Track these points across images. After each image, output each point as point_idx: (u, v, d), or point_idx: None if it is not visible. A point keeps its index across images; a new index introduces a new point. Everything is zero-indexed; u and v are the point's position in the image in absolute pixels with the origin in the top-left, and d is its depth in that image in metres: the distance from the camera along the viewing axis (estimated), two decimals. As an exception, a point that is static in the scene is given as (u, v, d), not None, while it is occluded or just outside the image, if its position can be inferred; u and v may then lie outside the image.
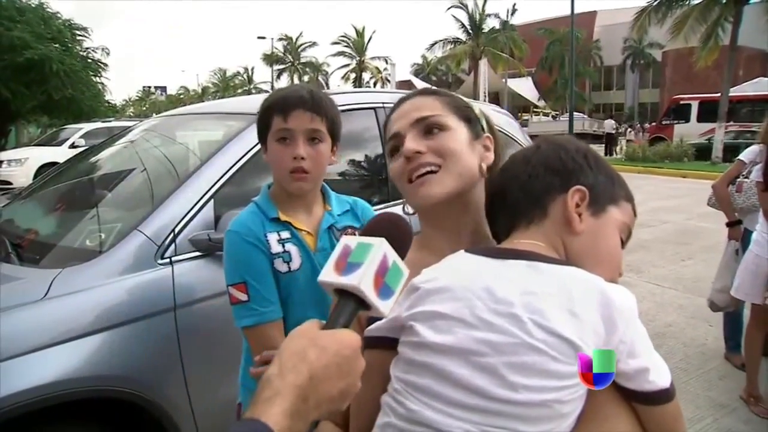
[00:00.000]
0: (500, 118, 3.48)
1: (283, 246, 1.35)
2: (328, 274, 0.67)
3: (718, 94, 17.63)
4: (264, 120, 1.38)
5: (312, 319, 0.67)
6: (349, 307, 0.66)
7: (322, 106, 1.35)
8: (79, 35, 16.94)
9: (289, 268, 1.35)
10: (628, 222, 0.86)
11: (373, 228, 0.74)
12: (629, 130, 28.99)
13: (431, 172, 0.90)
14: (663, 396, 0.72)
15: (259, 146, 2.20)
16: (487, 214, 0.93)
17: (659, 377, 0.72)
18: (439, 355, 0.73)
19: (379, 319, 0.77)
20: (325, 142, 1.37)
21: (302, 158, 1.32)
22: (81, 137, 13.52)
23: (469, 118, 0.97)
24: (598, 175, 0.84)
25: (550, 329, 0.69)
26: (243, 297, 1.31)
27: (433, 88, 1.04)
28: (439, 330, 0.75)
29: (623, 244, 0.86)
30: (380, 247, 0.67)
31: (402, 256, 0.71)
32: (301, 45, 54.22)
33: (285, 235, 1.36)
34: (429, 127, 0.93)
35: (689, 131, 19.97)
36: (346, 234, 1.41)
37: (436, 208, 0.92)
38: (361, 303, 0.66)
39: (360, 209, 1.52)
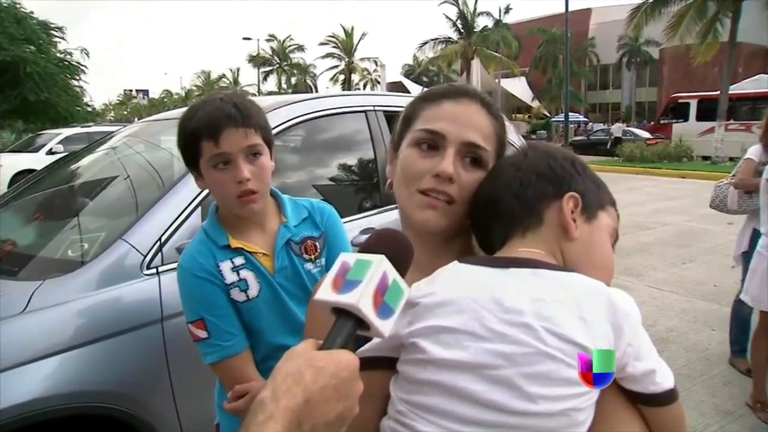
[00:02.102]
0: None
1: (238, 274, 1.31)
2: (325, 292, 0.67)
3: (718, 92, 17.84)
4: (190, 146, 1.28)
5: (307, 339, 0.66)
6: (347, 326, 0.65)
7: (252, 117, 1.28)
8: (55, 36, 16.87)
9: (247, 296, 1.31)
10: (615, 226, 0.89)
11: (372, 244, 0.74)
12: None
13: (447, 202, 0.87)
14: (669, 397, 0.75)
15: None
16: (475, 223, 0.92)
17: (665, 379, 0.75)
18: (449, 372, 0.73)
19: (368, 339, 0.76)
20: (264, 154, 1.31)
21: (247, 179, 1.26)
22: (59, 143, 13.40)
23: (500, 156, 0.93)
24: (587, 180, 0.86)
25: (563, 336, 0.70)
26: (203, 334, 1.29)
27: (491, 100, 0.95)
28: (447, 345, 0.74)
29: (613, 247, 0.88)
30: (380, 265, 0.67)
31: (402, 274, 0.71)
32: (289, 46, 54.29)
33: (239, 261, 1.32)
34: (473, 157, 0.89)
35: (688, 130, 20.15)
36: (305, 247, 1.39)
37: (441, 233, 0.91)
38: (360, 323, 0.65)
39: (318, 213, 1.45)
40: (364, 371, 0.66)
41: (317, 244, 1.41)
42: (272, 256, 1.34)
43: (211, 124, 1.24)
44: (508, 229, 0.86)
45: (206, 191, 2.05)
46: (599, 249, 0.84)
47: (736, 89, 19.06)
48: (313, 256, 1.39)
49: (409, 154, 0.90)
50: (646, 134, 23.46)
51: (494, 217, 0.87)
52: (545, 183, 0.85)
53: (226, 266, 1.31)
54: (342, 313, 0.66)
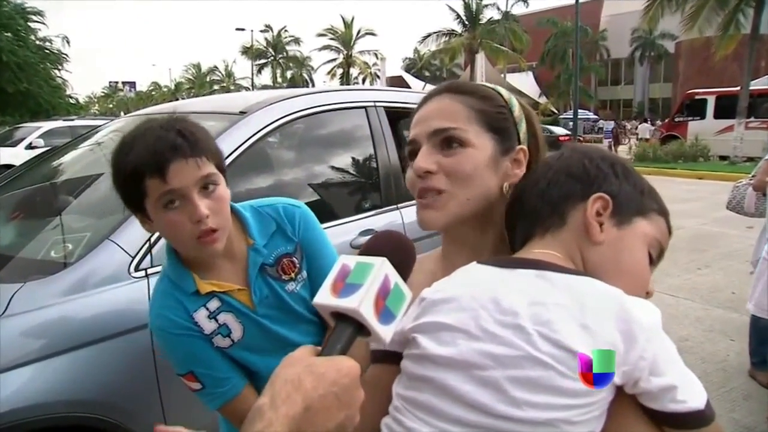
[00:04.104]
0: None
1: (216, 320, 1.24)
2: (324, 296, 0.67)
3: (738, 88, 17.81)
4: (132, 186, 1.13)
5: (306, 345, 0.67)
6: (347, 332, 0.66)
7: (200, 143, 1.15)
8: (34, 21, 16.83)
9: (232, 340, 1.27)
10: (659, 237, 0.85)
11: (373, 246, 0.75)
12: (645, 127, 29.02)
13: (438, 193, 0.90)
14: (696, 418, 0.71)
15: (243, 149, 2.25)
16: (506, 222, 0.94)
17: (691, 397, 0.71)
18: (441, 369, 0.75)
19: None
20: (220, 183, 1.19)
21: (206, 217, 1.13)
22: (40, 137, 13.39)
23: (501, 128, 0.93)
24: (625, 184, 0.85)
25: (557, 342, 0.70)
26: (197, 386, 1.27)
27: (467, 84, 0.97)
28: (443, 342, 0.76)
29: (655, 261, 0.86)
30: (381, 268, 0.68)
31: (405, 277, 0.72)
32: (284, 38, 54.32)
33: (214, 305, 1.24)
34: (447, 141, 0.90)
35: (705, 129, 20.14)
36: (282, 267, 1.31)
37: (447, 228, 0.93)
38: (361, 328, 0.66)
39: (289, 223, 1.34)
40: (374, 365, 0.65)
41: (294, 259, 1.33)
42: (248, 289, 1.27)
43: (155, 159, 1.10)
44: (530, 229, 0.86)
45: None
46: (627, 257, 0.82)
47: (757, 85, 19.02)
48: (292, 274, 1.32)
49: (408, 167, 0.96)
50: (562, 131, 24.97)
51: (520, 216, 0.88)
52: (574, 182, 0.84)
53: (201, 315, 1.24)
54: (342, 317, 0.66)
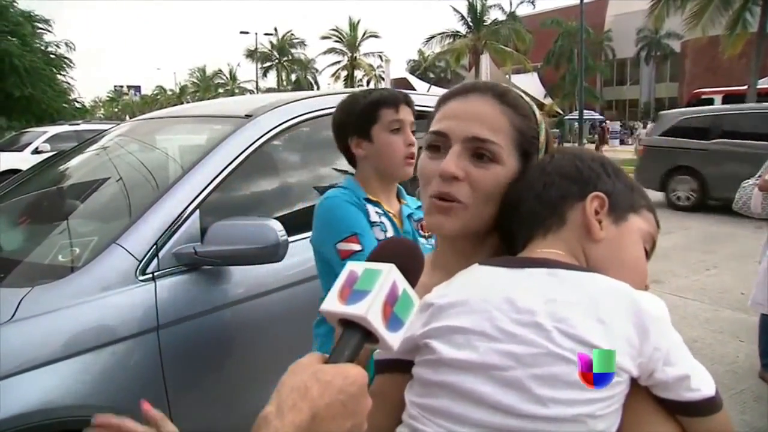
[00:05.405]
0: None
1: (380, 217, 1.60)
2: (332, 303, 0.67)
3: (745, 87, 17.73)
4: (370, 114, 1.63)
5: (313, 353, 0.67)
6: (355, 339, 0.66)
7: (413, 104, 1.71)
8: (40, 28, 16.92)
9: (385, 237, 1.55)
10: (651, 231, 0.89)
11: (381, 253, 0.74)
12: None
13: (456, 201, 0.88)
14: (709, 405, 0.73)
15: (247, 152, 2.26)
16: (500, 229, 0.93)
17: (703, 385, 0.74)
18: (459, 372, 0.75)
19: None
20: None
21: (414, 145, 1.59)
22: (45, 142, 13.41)
23: (528, 153, 0.92)
24: (617, 182, 0.87)
25: (577, 337, 0.71)
26: (357, 247, 1.47)
27: (511, 93, 0.93)
28: (458, 345, 0.76)
29: (648, 254, 0.89)
30: (389, 274, 0.68)
31: (413, 284, 0.71)
32: (289, 41, 54.42)
33: (379, 209, 1.62)
34: (480, 153, 0.88)
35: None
36: (422, 225, 1.66)
37: (453, 237, 0.92)
38: (368, 335, 0.66)
39: None
40: (381, 374, 0.64)
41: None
42: (400, 219, 1.66)
43: (393, 97, 1.65)
44: (530, 231, 0.87)
45: (205, 194, 2.06)
46: (627, 252, 0.85)
47: (765, 83, 18.92)
48: (427, 234, 1.67)
49: (422, 157, 0.93)
50: None
51: (517, 220, 0.89)
52: (569, 183, 0.86)
53: (370, 207, 1.61)
54: (349, 324, 0.66)
